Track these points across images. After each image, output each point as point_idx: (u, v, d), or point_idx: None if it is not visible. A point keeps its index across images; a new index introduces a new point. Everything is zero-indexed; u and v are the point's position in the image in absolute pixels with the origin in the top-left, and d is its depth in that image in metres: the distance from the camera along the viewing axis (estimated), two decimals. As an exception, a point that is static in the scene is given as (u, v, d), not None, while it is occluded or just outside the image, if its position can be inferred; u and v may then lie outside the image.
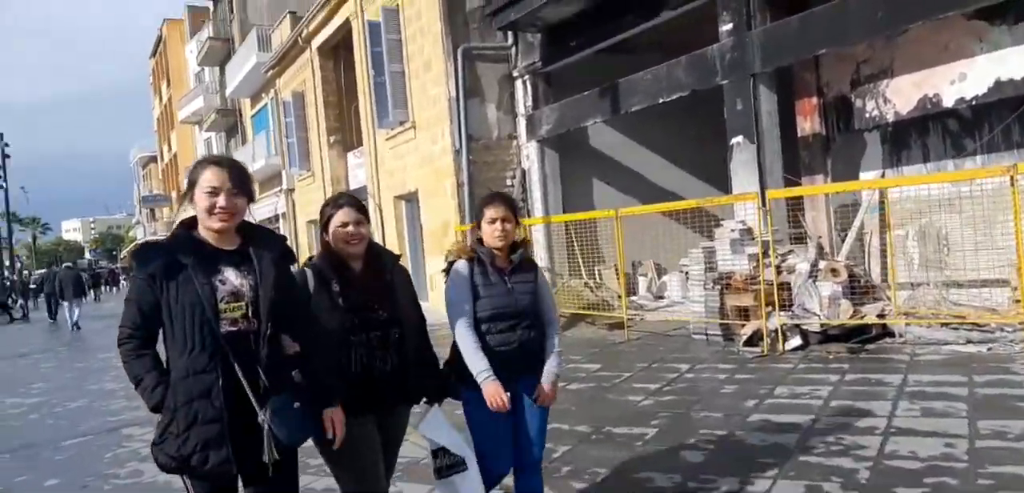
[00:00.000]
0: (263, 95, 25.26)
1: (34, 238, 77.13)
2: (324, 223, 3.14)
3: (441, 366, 3.40)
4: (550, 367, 3.40)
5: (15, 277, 42.23)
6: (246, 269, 2.59)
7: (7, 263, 39.81)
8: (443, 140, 13.44)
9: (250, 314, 2.53)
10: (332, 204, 3.15)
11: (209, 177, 2.56)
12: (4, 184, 37.90)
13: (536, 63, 13.09)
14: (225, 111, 31.95)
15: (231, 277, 2.55)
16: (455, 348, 3.34)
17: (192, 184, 2.61)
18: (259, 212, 29.11)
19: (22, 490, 5.82)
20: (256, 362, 2.52)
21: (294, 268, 2.86)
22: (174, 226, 2.72)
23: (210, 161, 2.65)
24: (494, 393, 3.17)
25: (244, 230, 2.69)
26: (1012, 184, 6.62)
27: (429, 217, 14.52)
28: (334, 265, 3.05)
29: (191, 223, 2.65)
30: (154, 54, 49.95)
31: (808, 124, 10.52)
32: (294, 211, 23.76)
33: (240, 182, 2.60)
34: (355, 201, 3.16)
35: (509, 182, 13.60)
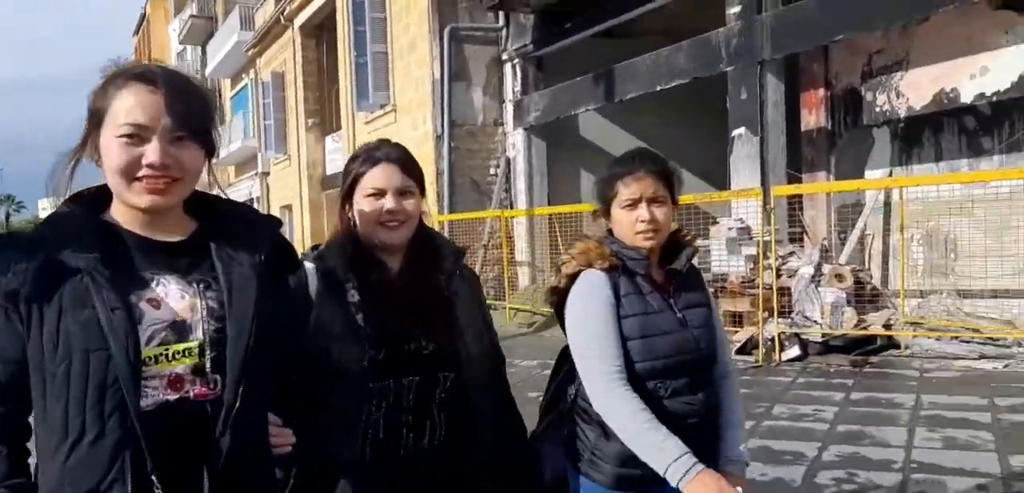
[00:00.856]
0: (243, 76, 24.46)
1: (7, 216, 75.76)
2: (348, 188, 1.87)
3: (530, 439, 2.08)
4: (734, 450, 2.04)
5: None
6: (201, 279, 1.41)
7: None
8: (425, 125, 12.73)
9: (207, 368, 1.37)
10: (364, 157, 1.86)
11: (131, 104, 1.33)
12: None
13: (528, 46, 12.37)
14: (207, 91, 31.03)
15: (172, 293, 1.37)
16: (558, 413, 2.06)
17: (97, 117, 1.37)
18: (233, 195, 28.33)
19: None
20: (209, 463, 1.35)
21: (293, 280, 1.72)
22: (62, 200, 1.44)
23: (131, 74, 1.37)
24: (720, 489, 1.78)
25: (199, 207, 1.50)
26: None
27: (408, 207, 13.79)
28: (356, 260, 1.81)
29: (96, 195, 1.43)
30: (137, 31, 48.94)
31: (813, 117, 9.85)
32: (268, 196, 22.99)
33: (186, 115, 1.36)
34: (402, 155, 1.88)
35: (493, 171, 12.90)
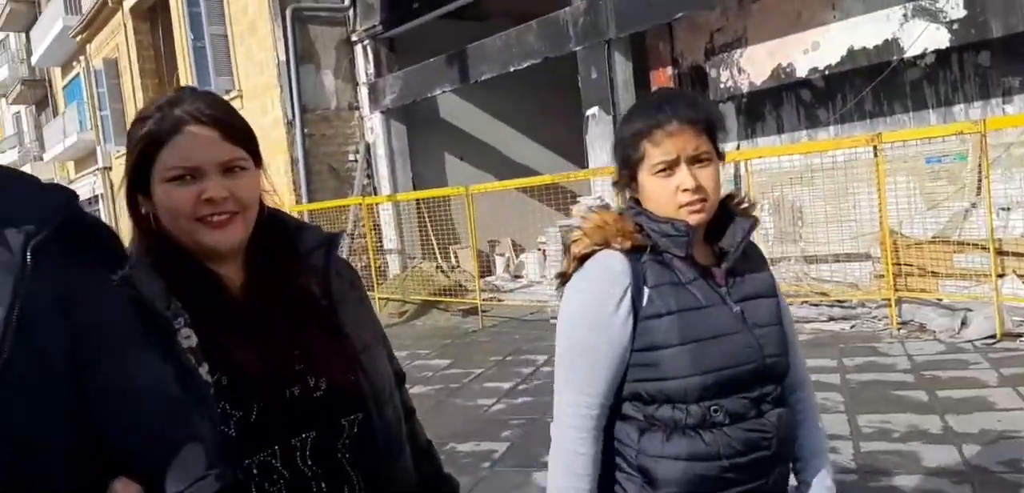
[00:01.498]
0: (74, 63, 22.38)
1: None
2: (137, 169, 1.23)
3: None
4: (821, 486, 1.57)
5: None
6: None
7: None
8: (274, 110, 12.04)
9: None
10: (158, 119, 1.21)
11: None
12: None
13: (376, 26, 11.93)
14: (32, 81, 28.27)
15: None
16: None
17: None
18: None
19: None
20: None
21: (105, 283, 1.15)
22: None
23: None
24: None
25: None
26: (876, 154, 6.32)
27: (261, 198, 13.07)
28: (177, 280, 1.21)
29: None
30: (-52, 16, 43.82)
31: (664, 95, 10.09)
32: (112, 193, 21.25)
33: None
34: (219, 109, 1.24)
35: (352, 157, 12.42)
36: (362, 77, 12.35)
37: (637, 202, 1.49)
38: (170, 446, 0.98)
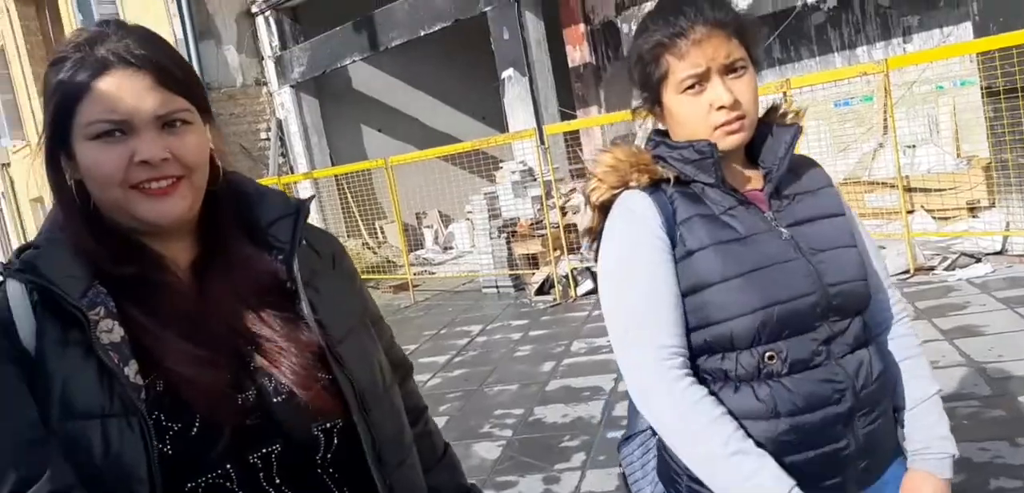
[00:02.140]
0: (-48, 54, 20.76)
1: None
2: (55, 126, 0.97)
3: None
4: (930, 435, 1.29)
5: None
6: None
7: None
8: (178, 93, 11.45)
9: None
10: (77, 62, 0.95)
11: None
12: None
13: (279, -3, 11.47)
14: (-95, 76, 26.11)
15: None
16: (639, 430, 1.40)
17: None
18: (-35, 196, 24.39)
19: None
20: None
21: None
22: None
23: None
24: None
25: None
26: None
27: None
28: (103, 261, 0.97)
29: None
30: None
31: (578, 53, 10.10)
32: (13, 190, 19.97)
33: None
34: (153, 48, 0.98)
35: (264, 135, 11.98)
36: (267, 50, 11.86)
37: (662, 133, 1.30)
38: None
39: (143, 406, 0.90)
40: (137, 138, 0.95)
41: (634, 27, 6.32)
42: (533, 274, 7.93)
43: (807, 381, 1.19)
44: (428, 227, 12.85)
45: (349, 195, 11.56)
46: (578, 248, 7.74)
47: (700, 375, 1.23)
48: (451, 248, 12.05)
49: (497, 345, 6.37)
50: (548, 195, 7.72)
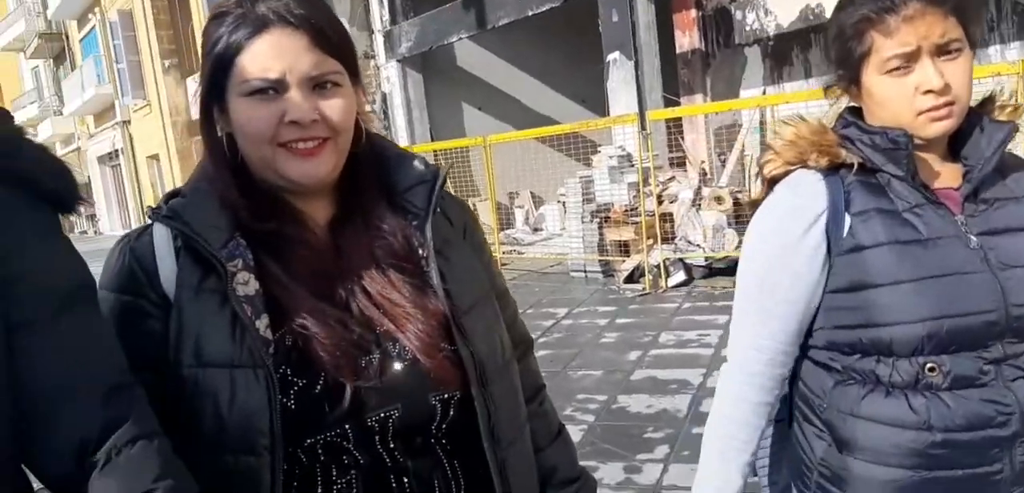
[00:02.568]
0: (90, 16, 22.29)
1: None
2: (211, 82, 0.98)
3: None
4: None
5: None
6: None
7: None
8: (290, 62, 11.90)
9: None
10: (237, 18, 0.95)
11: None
12: None
13: (392, -28, 11.70)
14: (49, 35, 28.23)
15: None
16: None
17: None
18: (95, 148, 26.20)
19: None
20: None
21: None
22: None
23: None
24: None
25: None
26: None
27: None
28: (245, 215, 1.00)
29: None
30: (-35, -30, 43.83)
31: (686, 39, 9.81)
32: (132, 146, 21.32)
33: None
34: (309, 8, 0.97)
35: (369, 108, 12.22)
36: (377, 25, 12.13)
37: (855, 112, 1.19)
38: (101, 437, 0.81)
39: (270, 360, 0.92)
40: (289, 97, 0.95)
41: (748, 14, 6.08)
42: (623, 261, 7.79)
43: (969, 400, 1.09)
44: (519, 207, 12.87)
45: (447, 171, 11.71)
46: (672, 238, 7.55)
47: (853, 375, 1.16)
48: (540, 229, 12.02)
49: (583, 330, 6.29)
50: (645, 182, 7.56)
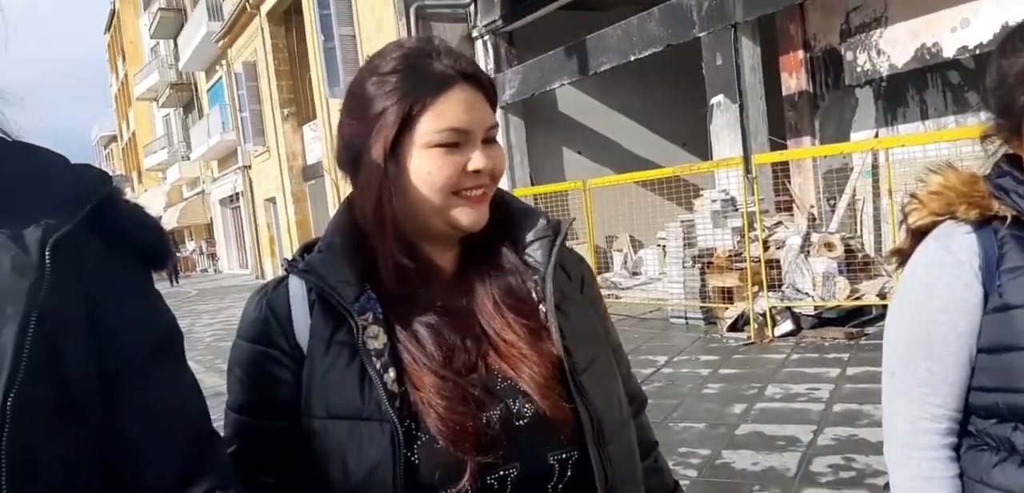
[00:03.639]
0: (217, 67, 23.94)
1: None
2: (399, 128, 0.99)
3: None
4: None
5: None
6: None
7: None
8: (399, 109, 12.40)
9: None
10: (424, 74, 1.00)
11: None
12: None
13: (497, 22, 12.01)
14: (180, 85, 30.51)
15: None
16: None
17: None
18: (218, 191, 27.91)
19: None
20: None
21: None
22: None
23: None
24: None
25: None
26: None
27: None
28: (380, 269, 1.02)
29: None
30: (108, 28, 48.04)
31: (794, 81, 9.57)
32: (252, 189, 22.59)
33: None
34: (469, 60, 1.05)
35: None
36: (481, 74, 12.49)
37: (1012, 160, 1.11)
38: (182, 488, 0.82)
39: (395, 415, 0.94)
40: (470, 149, 0.99)
41: (859, 55, 5.90)
42: (727, 308, 7.60)
43: None
44: (618, 251, 12.79)
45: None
46: (779, 285, 7.32)
47: (978, 437, 1.11)
48: (639, 273, 11.89)
49: (684, 379, 6.17)
50: (750, 227, 7.38)
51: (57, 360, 0.74)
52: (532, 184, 12.14)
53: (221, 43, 21.66)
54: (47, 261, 0.74)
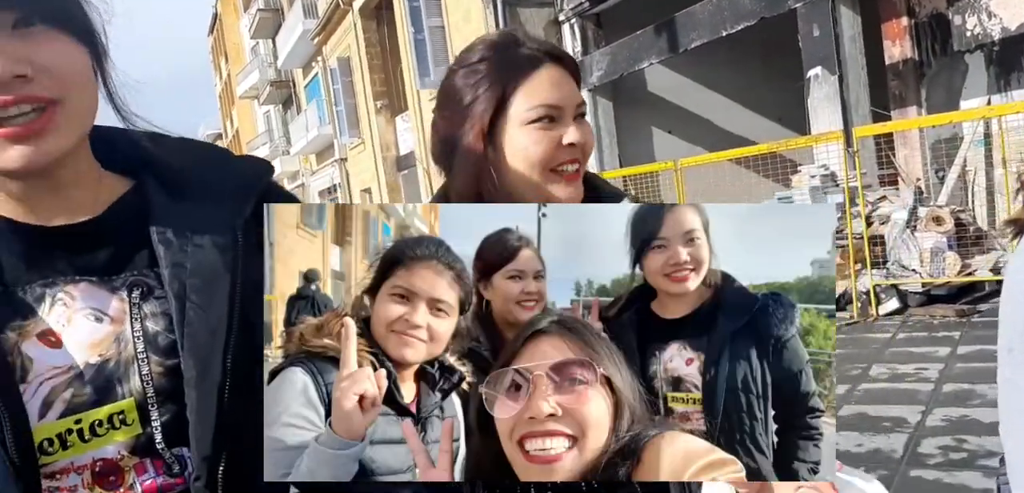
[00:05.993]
0: (313, 64, 24.81)
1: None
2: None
3: None
4: None
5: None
6: (135, 280, 0.85)
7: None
8: (488, 97, 12.57)
9: (157, 439, 0.82)
10: (510, 53, 1.06)
11: None
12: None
13: (584, 4, 11.98)
14: (279, 83, 31.75)
15: (79, 317, 0.82)
16: None
17: None
18: (315, 184, 29.00)
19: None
20: None
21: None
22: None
23: None
24: None
25: (129, 155, 0.93)
26: None
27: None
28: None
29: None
30: (211, 31, 50.47)
31: (897, 49, 9.14)
32: (348, 181, 23.35)
33: None
34: (552, 44, 1.14)
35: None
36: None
37: None
38: None
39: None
40: (563, 124, 1.05)
41: (968, 19, 5.62)
42: (829, 288, 7.40)
43: None
44: (715, 231, 12.58)
45: (635, 197, 11.73)
46: (883, 262, 7.06)
47: None
48: (738, 254, 11.65)
49: (785, 359, 6.07)
50: (852, 202, 7.14)
51: (247, 322, 0.85)
52: (620, 166, 12.09)
53: (316, 40, 22.43)
54: (239, 240, 0.86)
